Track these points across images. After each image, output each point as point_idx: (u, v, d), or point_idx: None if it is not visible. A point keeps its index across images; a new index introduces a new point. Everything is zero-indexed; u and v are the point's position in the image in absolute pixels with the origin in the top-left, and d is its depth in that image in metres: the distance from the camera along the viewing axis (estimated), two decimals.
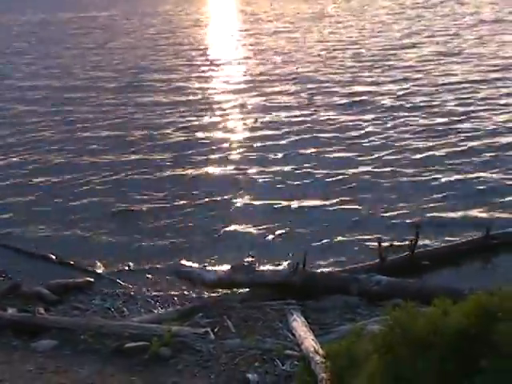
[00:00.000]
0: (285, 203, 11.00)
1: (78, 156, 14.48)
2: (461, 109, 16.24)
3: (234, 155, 13.89)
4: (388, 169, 12.40)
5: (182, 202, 11.37)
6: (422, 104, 17.20)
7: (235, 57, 26.82)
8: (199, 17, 50.22)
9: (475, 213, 10.09)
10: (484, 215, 9.94)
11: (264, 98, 18.49)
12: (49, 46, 36.16)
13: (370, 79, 20.38)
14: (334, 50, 26.13)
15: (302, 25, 36.41)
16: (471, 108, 16.34)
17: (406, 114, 16.18)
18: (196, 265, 8.73)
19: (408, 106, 16.94)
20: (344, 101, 17.76)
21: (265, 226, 10.18)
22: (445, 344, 3.09)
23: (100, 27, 45.63)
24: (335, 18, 39.08)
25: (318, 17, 40.10)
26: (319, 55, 25.24)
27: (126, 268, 9.01)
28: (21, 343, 6.85)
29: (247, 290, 7.93)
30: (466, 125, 14.98)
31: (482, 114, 15.74)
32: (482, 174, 11.75)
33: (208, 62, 25.88)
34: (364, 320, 6.70)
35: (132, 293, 8.25)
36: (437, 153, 13.14)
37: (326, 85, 19.90)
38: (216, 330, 6.82)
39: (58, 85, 23.00)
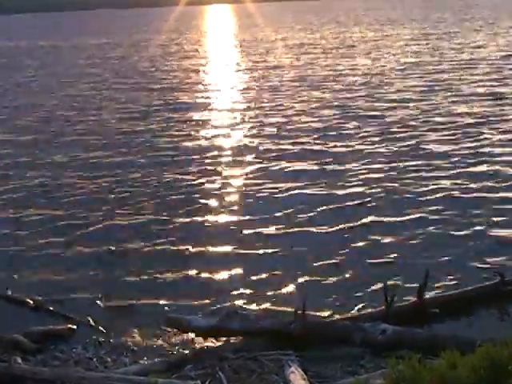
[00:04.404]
0: (284, 247, 10.59)
1: (66, 198, 14.06)
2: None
3: (230, 201, 13.41)
4: (394, 212, 12.03)
5: (172, 248, 10.94)
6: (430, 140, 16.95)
7: (232, 96, 26.91)
8: (196, 47, 50.88)
9: (488, 258, 9.65)
10: (497, 260, 9.50)
11: (265, 144, 18.17)
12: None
13: (376, 118, 20.24)
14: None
15: (306, 57, 37.10)
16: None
17: (414, 158, 15.89)
18: (186, 311, 8.25)
19: (415, 151, 16.65)
20: (352, 143, 17.51)
21: (261, 271, 9.73)
22: None
23: (87, 57, 46.39)
24: (351, 49, 39.72)
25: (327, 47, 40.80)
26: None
27: (111, 314, 8.57)
28: None
29: (241, 338, 7.54)
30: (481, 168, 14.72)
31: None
32: (495, 219, 11.35)
33: (204, 101, 25.93)
34: (368, 373, 6.39)
35: (116, 341, 7.80)
36: (446, 195, 12.80)
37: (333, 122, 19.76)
38: (207, 382, 6.52)
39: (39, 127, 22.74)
